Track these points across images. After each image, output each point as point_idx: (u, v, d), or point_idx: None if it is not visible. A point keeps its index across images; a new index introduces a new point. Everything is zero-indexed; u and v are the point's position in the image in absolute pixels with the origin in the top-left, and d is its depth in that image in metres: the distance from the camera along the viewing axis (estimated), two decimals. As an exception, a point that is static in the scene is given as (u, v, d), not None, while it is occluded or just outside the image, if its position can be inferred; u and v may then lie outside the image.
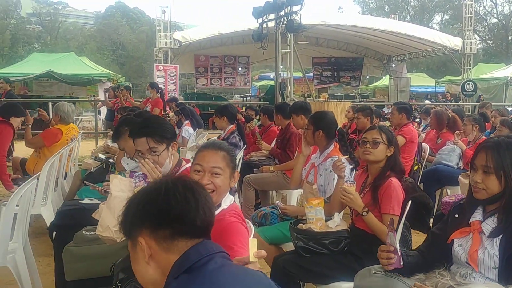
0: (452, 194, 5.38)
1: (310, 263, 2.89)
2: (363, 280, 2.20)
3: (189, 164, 2.86)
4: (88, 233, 2.77)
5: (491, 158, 2.10)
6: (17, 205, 3.49)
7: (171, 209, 1.35)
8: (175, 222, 1.35)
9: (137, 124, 2.93)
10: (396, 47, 20.58)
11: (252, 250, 1.65)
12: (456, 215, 2.26)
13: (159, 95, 9.87)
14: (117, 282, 2.12)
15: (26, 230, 3.72)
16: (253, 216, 3.84)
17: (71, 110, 5.93)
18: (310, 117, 4.01)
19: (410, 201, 2.91)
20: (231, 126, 5.38)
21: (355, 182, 3.07)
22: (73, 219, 3.30)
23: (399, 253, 2.12)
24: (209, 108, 16.97)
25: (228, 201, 2.30)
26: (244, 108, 11.31)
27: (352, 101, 19.09)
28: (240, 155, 5.31)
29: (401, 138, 5.55)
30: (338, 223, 2.96)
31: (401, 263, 2.15)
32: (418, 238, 3.54)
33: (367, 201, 2.99)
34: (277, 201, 3.89)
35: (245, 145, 5.55)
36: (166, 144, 2.81)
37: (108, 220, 2.26)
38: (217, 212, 2.16)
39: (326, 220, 2.98)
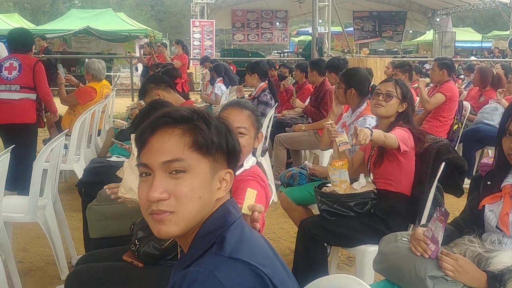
0: (492, 155, 5.15)
1: (335, 225, 2.81)
2: (387, 246, 2.10)
3: None
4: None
5: None
6: (46, 162, 3.54)
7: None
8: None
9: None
10: (441, 0, 19.67)
11: (248, 201, 1.54)
12: (488, 182, 2.12)
13: (184, 52, 9.88)
14: (136, 241, 2.10)
15: (56, 186, 3.77)
16: (281, 176, 3.77)
17: (101, 67, 5.91)
18: (341, 75, 3.85)
19: (443, 163, 2.77)
20: (262, 83, 5.25)
21: (343, 130, 3.01)
22: (99, 176, 3.31)
23: (439, 246, 1.98)
24: (246, 65, 16.78)
25: (250, 162, 2.23)
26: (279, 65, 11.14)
27: (394, 57, 18.49)
28: (271, 113, 5.20)
29: (440, 95, 5.31)
30: (363, 184, 2.85)
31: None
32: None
33: (375, 159, 2.90)
34: (306, 162, 3.80)
35: (277, 103, 5.42)
36: None
37: (131, 181, 2.20)
38: (238, 172, 2.09)
39: (352, 182, 2.87)
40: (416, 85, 6.03)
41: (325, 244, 2.99)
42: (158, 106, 2.45)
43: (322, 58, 8.37)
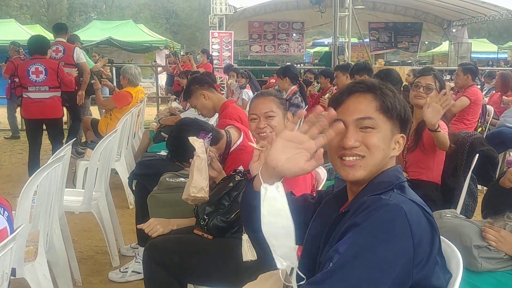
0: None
1: None
2: (433, 223, 2.31)
3: None
4: (171, 180, 2.98)
5: None
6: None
7: None
8: None
9: None
10: (457, 11, 19.80)
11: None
12: None
13: (208, 61, 10.25)
14: (204, 216, 2.31)
15: (107, 181, 4.03)
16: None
17: (137, 73, 6.23)
18: (375, 75, 4.06)
19: (477, 155, 2.97)
20: (294, 86, 5.47)
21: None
22: (151, 169, 3.54)
23: None
24: (262, 75, 17.01)
25: None
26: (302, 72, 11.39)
27: (410, 67, 18.62)
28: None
29: (465, 99, 5.49)
30: None
31: None
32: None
33: (410, 145, 3.09)
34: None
35: (307, 106, 5.64)
36: None
37: (201, 182, 2.39)
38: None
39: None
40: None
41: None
42: (186, 127, 2.70)
43: (348, 62, 8.61)
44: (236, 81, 8.02)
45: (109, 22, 22.77)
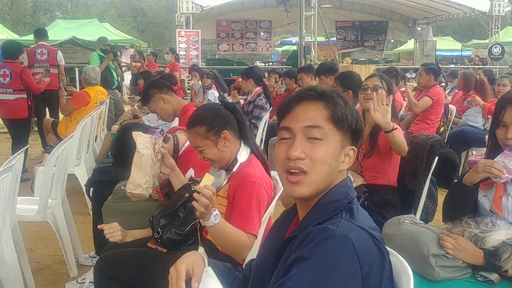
0: (479, 153, 5.39)
1: None
2: (391, 229, 2.27)
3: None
4: (126, 188, 2.88)
5: None
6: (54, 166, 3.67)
7: None
8: None
9: None
10: (422, 9, 20.14)
11: (203, 182, 1.82)
12: None
13: (175, 60, 10.17)
14: (158, 229, 2.23)
15: (64, 188, 3.89)
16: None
17: (94, 72, 6.13)
18: (336, 78, 4.03)
19: (436, 157, 2.96)
20: (258, 88, 5.41)
21: None
22: (109, 175, 3.43)
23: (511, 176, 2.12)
24: (231, 74, 16.91)
25: (243, 154, 2.36)
26: (266, 73, 11.37)
27: (376, 66, 18.84)
28: (266, 117, 5.37)
29: (427, 99, 5.53)
30: (352, 180, 3.01)
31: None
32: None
33: (365, 150, 3.07)
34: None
35: (271, 107, 5.59)
36: None
37: (139, 178, 2.34)
38: (235, 168, 2.31)
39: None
40: (403, 88, 6.26)
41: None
42: (128, 131, 2.69)
43: (311, 64, 8.59)
44: (199, 82, 7.92)
45: (73, 21, 22.26)
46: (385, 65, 22.20)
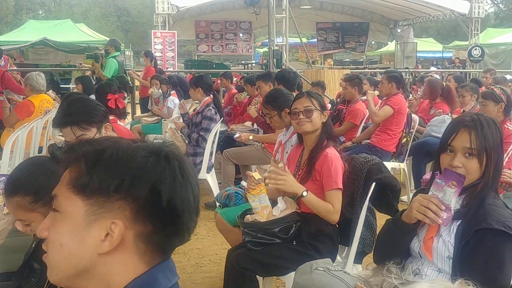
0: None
1: (263, 255, 2.65)
2: (302, 277, 1.98)
3: None
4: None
5: (475, 139, 1.84)
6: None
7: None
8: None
9: (60, 113, 2.71)
10: (402, 11, 19.91)
11: None
12: None
13: (152, 64, 9.79)
14: (31, 276, 1.89)
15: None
16: (217, 197, 3.62)
17: (40, 79, 5.75)
18: (266, 104, 3.80)
19: (374, 183, 2.67)
20: (207, 98, 5.08)
21: (262, 181, 2.77)
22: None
23: (451, 213, 1.82)
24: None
25: None
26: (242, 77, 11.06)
27: (356, 67, 18.67)
28: (216, 128, 5.05)
29: (388, 108, 5.26)
30: (282, 208, 2.70)
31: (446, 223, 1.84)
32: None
33: (302, 175, 2.79)
34: (243, 182, 3.64)
35: (222, 118, 5.28)
36: (96, 127, 2.62)
37: None
38: None
39: (273, 206, 2.73)
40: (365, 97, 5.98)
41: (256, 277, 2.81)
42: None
43: (270, 71, 8.30)
44: (159, 90, 7.60)
45: (46, 21, 21.80)
46: (365, 67, 22.08)
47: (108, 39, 19.33)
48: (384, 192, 2.77)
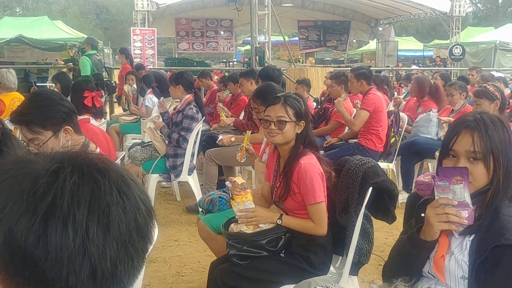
0: (429, 172, 4.95)
1: (249, 270, 2.42)
2: (299, 297, 1.76)
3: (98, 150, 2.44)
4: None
5: (479, 141, 1.62)
6: None
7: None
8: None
9: (16, 109, 2.48)
10: (383, 9, 19.90)
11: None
12: (422, 215, 1.77)
13: (128, 61, 9.55)
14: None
15: None
16: (200, 202, 3.38)
17: (11, 76, 5.42)
18: (255, 99, 3.58)
19: (370, 188, 2.46)
20: (188, 96, 4.82)
21: (248, 187, 2.57)
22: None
23: (471, 207, 1.61)
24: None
25: None
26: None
27: (338, 66, 18.52)
28: (199, 127, 4.81)
29: (364, 113, 5.05)
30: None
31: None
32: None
33: (281, 191, 2.56)
34: (227, 182, 3.39)
35: (204, 117, 5.03)
36: (52, 130, 2.38)
37: None
38: None
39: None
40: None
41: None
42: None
43: (253, 68, 8.08)
44: (133, 86, 7.32)
45: (22, 18, 21.29)
46: (348, 66, 21.95)
47: (86, 36, 19.01)
48: (381, 197, 2.57)
